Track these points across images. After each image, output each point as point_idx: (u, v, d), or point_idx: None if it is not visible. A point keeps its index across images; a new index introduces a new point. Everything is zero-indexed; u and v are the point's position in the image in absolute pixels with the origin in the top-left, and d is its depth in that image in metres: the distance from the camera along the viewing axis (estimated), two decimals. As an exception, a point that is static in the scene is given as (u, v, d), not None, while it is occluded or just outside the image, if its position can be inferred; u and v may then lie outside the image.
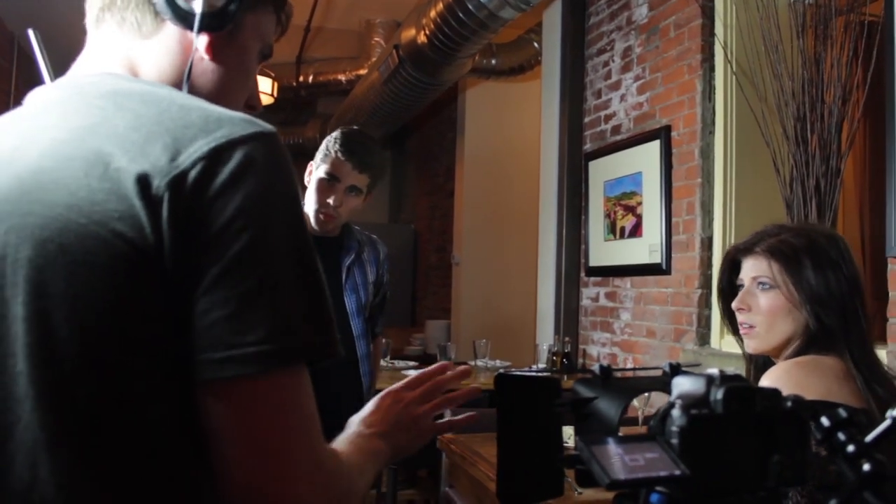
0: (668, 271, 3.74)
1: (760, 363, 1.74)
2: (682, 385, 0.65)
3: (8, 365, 0.75)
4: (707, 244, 3.51)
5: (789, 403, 0.65)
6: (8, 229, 0.76)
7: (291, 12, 1.05)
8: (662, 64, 3.85)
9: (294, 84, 6.90)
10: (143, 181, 0.74)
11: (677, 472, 0.58)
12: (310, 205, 2.40)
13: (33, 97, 0.92)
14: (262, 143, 0.79)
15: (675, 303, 3.69)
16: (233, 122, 0.79)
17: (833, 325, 1.56)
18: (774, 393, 0.65)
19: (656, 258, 3.81)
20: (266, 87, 5.56)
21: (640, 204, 3.97)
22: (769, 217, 2.02)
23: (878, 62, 2.63)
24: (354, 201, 2.47)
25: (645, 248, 3.91)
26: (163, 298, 0.75)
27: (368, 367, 2.64)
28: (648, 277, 3.91)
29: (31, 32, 1.10)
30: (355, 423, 1.05)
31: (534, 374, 0.73)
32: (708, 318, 3.49)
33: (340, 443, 0.99)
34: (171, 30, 0.92)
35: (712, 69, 3.55)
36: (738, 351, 1.78)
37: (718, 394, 0.62)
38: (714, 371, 0.64)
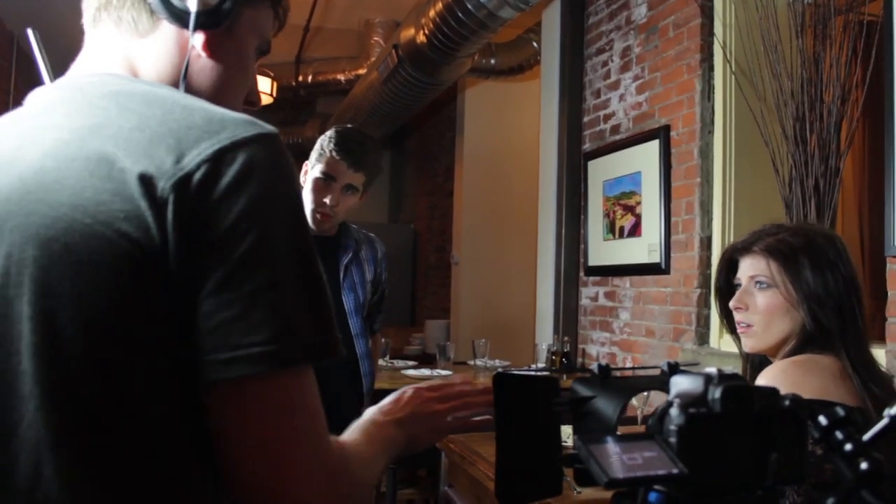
0: (667, 271, 3.74)
1: (757, 362, 1.74)
2: (681, 384, 0.66)
3: (11, 363, 0.75)
4: (706, 244, 3.52)
5: (787, 402, 0.65)
6: (12, 229, 0.77)
7: (288, 7, 1.05)
8: (661, 63, 3.85)
9: (293, 84, 6.90)
10: (148, 182, 0.74)
11: (675, 471, 0.58)
12: (306, 205, 2.40)
13: (34, 97, 0.92)
14: (265, 144, 0.79)
15: (674, 302, 3.69)
16: (236, 123, 0.80)
17: (830, 324, 1.57)
18: (772, 392, 0.65)
19: (655, 258, 3.81)
20: (265, 86, 5.56)
21: (639, 203, 3.97)
22: (768, 217, 2.02)
23: (877, 62, 2.63)
24: (351, 200, 2.47)
25: (644, 248, 3.91)
26: (167, 299, 0.75)
27: (368, 367, 2.64)
28: (647, 277, 3.92)
29: (30, 32, 1.10)
30: (371, 411, 1.07)
31: (532, 373, 0.72)
32: (707, 318, 3.49)
33: (352, 432, 1.00)
34: (168, 28, 0.92)
35: (711, 69, 3.55)
36: (737, 350, 1.78)
37: (716, 393, 0.63)
38: (712, 370, 0.65)
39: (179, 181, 0.75)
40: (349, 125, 2.67)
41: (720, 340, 3.39)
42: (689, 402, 0.62)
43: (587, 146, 4.56)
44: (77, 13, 0.97)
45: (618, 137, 4.21)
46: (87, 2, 0.95)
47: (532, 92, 5.69)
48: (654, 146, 3.83)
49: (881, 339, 2.59)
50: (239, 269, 0.75)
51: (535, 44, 5.79)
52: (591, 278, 4.48)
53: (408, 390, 1.13)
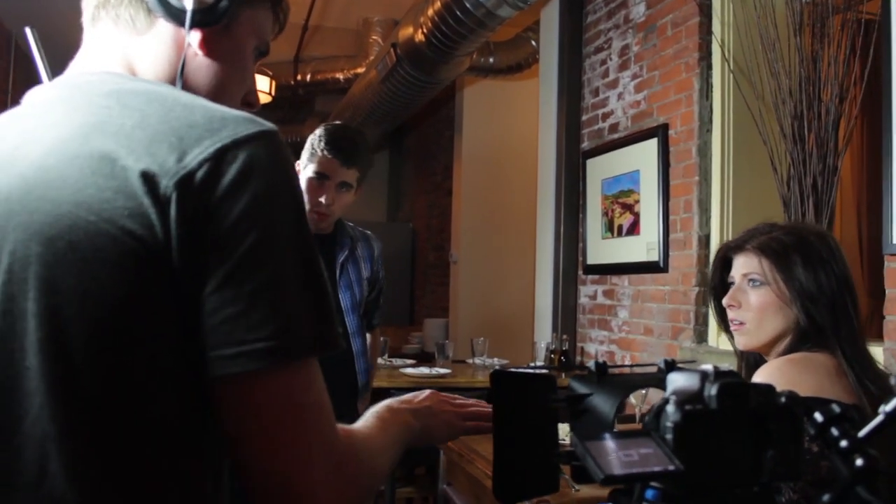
0: (665, 269, 3.74)
1: (752, 361, 1.75)
2: (677, 381, 0.66)
3: (15, 359, 0.76)
4: (704, 242, 3.52)
5: (783, 399, 0.65)
6: (15, 227, 0.77)
7: (288, 9, 1.05)
8: (660, 62, 3.85)
9: (292, 82, 6.90)
10: (150, 180, 0.75)
11: (671, 468, 0.58)
12: None
13: (32, 96, 0.92)
14: (265, 142, 0.80)
15: (672, 300, 3.69)
16: (237, 121, 0.80)
17: (823, 321, 1.58)
18: (768, 389, 0.65)
19: (654, 256, 3.81)
20: (264, 85, 5.55)
21: (637, 202, 3.97)
22: (766, 215, 2.03)
23: (875, 60, 2.63)
24: (346, 197, 2.47)
25: (642, 246, 3.91)
26: (170, 296, 0.76)
27: (364, 365, 2.65)
28: (646, 275, 3.92)
29: (28, 31, 1.10)
30: (388, 400, 1.09)
31: (529, 370, 0.73)
32: (705, 316, 3.50)
33: (367, 418, 1.01)
34: (165, 26, 0.93)
35: (710, 67, 3.55)
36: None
37: (712, 389, 0.63)
38: (708, 367, 0.65)
39: (182, 179, 0.75)
40: (337, 122, 2.66)
41: (718, 339, 3.40)
42: (686, 398, 0.62)
43: (586, 145, 4.56)
44: (75, 12, 0.98)
45: (616, 136, 4.22)
46: (86, 1, 0.96)
47: (531, 91, 5.69)
48: (652, 145, 3.83)
49: (880, 336, 2.60)
50: (242, 266, 0.76)
51: (533, 42, 5.79)
52: (590, 277, 4.48)
53: (425, 391, 1.16)
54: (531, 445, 0.72)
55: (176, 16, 0.91)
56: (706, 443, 0.62)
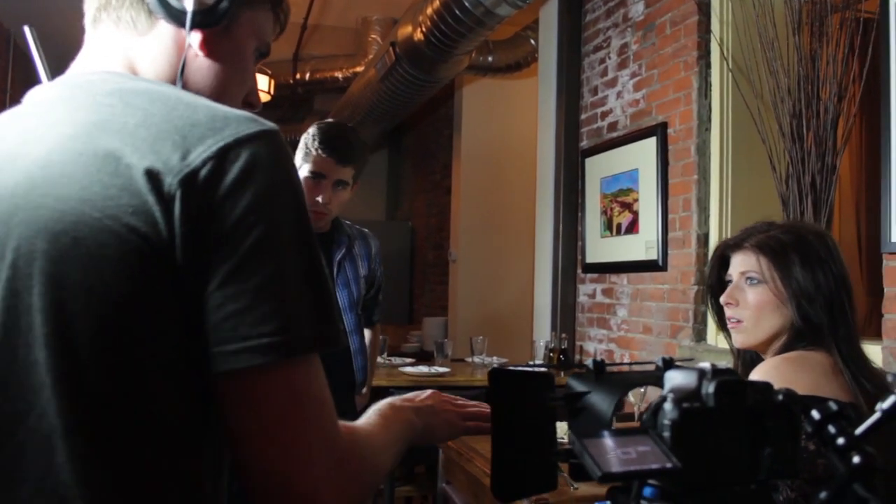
0: (664, 268, 3.74)
1: (748, 360, 1.75)
2: (674, 379, 0.66)
3: (19, 355, 0.77)
4: (703, 241, 3.52)
5: (780, 397, 0.65)
6: (19, 223, 0.78)
7: (289, 11, 1.06)
8: (659, 61, 3.85)
9: (291, 81, 6.90)
10: (155, 178, 0.76)
11: (668, 465, 0.58)
12: None
13: (33, 95, 0.93)
14: (267, 141, 0.81)
15: (671, 299, 3.69)
16: (239, 120, 0.81)
17: (820, 320, 1.58)
18: (766, 387, 0.66)
19: (653, 255, 3.81)
20: (263, 84, 5.55)
21: (636, 201, 3.97)
22: (765, 214, 2.03)
23: (873, 59, 2.63)
24: (343, 195, 2.47)
25: (641, 245, 3.91)
26: (174, 292, 0.77)
27: (361, 362, 2.65)
28: (645, 274, 3.92)
29: (27, 29, 1.10)
30: (391, 398, 1.10)
31: (528, 368, 0.73)
32: (704, 315, 3.50)
33: (369, 415, 1.02)
34: (166, 27, 0.94)
35: (708, 66, 3.55)
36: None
37: (710, 387, 0.63)
38: (706, 365, 0.65)
39: (186, 177, 0.76)
40: (330, 120, 2.67)
41: (717, 337, 3.40)
42: (683, 396, 0.63)
43: (584, 143, 4.56)
44: (74, 11, 0.98)
45: (615, 134, 4.22)
46: (87, 3, 0.96)
47: (529, 89, 5.69)
48: (651, 143, 3.83)
49: (878, 335, 2.60)
50: (246, 263, 0.77)
51: (532, 41, 5.79)
52: (589, 275, 4.48)
53: (427, 391, 1.17)
54: (529, 444, 0.72)
55: (176, 17, 0.92)
56: (703, 440, 0.62)
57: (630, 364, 0.98)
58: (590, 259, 4.44)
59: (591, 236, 4.42)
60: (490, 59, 5.98)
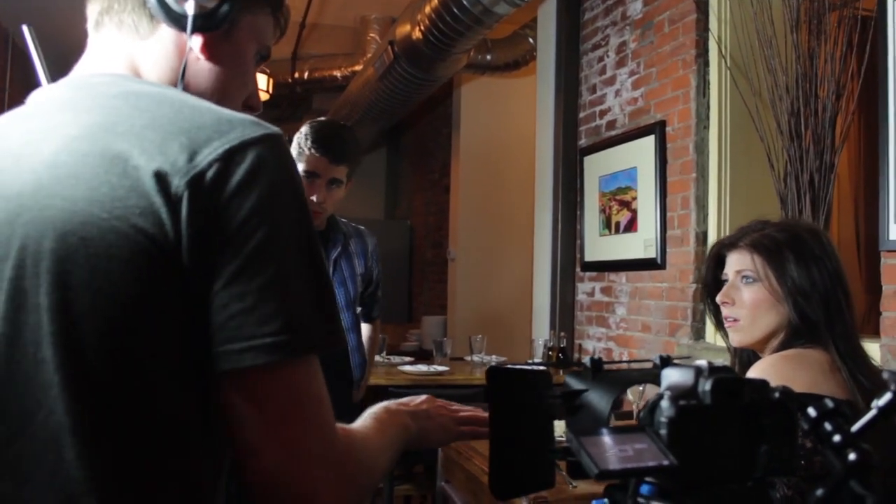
0: (662, 266, 3.75)
1: (745, 358, 1.76)
2: (671, 376, 0.66)
3: (28, 353, 0.78)
4: (702, 239, 3.52)
5: (777, 394, 0.65)
6: (26, 222, 0.79)
7: (289, 15, 1.08)
8: (657, 59, 3.85)
9: (289, 80, 6.89)
10: (162, 179, 0.77)
11: (665, 463, 0.58)
12: None
13: (38, 96, 0.94)
14: (271, 144, 0.82)
15: (669, 297, 3.70)
16: (244, 124, 0.83)
17: (817, 317, 1.59)
18: (762, 384, 0.66)
19: (651, 253, 3.81)
20: (261, 83, 5.56)
21: (634, 199, 3.97)
22: (763, 212, 2.03)
23: (871, 56, 2.64)
24: (337, 193, 2.47)
25: (640, 243, 3.92)
26: (179, 293, 0.78)
27: (359, 359, 2.66)
28: (643, 272, 3.92)
29: (25, 29, 1.10)
30: (386, 402, 1.11)
31: (525, 367, 0.73)
32: (703, 313, 3.50)
33: (365, 418, 1.03)
34: (167, 31, 0.95)
35: (707, 64, 3.55)
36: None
37: (707, 385, 0.63)
38: (702, 362, 0.65)
39: (193, 179, 0.77)
40: (322, 118, 2.67)
41: (716, 335, 3.40)
42: (680, 394, 0.63)
43: (583, 142, 4.56)
44: (73, 10, 0.98)
45: (613, 133, 4.22)
46: (90, 8, 0.97)
47: (528, 88, 5.69)
48: (649, 142, 3.83)
49: (876, 332, 2.60)
50: (250, 264, 0.78)
51: (530, 39, 5.79)
52: (588, 274, 4.48)
53: (422, 395, 1.19)
54: (527, 442, 0.72)
55: (178, 21, 0.93)
56: (700, 438, 0.62)
57: (628, 362, 0.98)
58: (588, 257, 4.45)
59: (589, 235, 4.42)
60: (488, 57, 5.98)
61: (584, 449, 0.58)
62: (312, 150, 2.38)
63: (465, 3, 4.25)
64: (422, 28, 4.76)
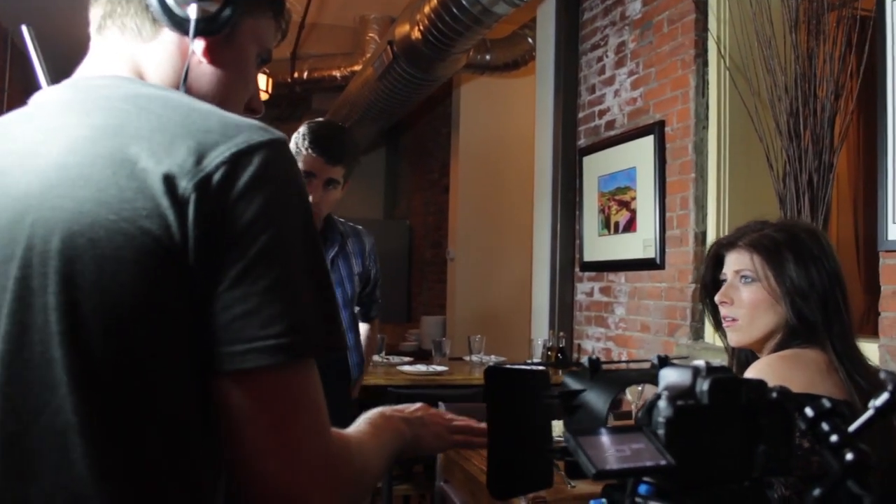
0: (662, 266, 3.75)
1: (743, 359, 1.76)
2: (669, 376, 0.66)
3: (35, 352, 0.78)
4: (701, 239, 3.52)
5: (774, 394, 0.65)
6: (34, 221, 0.79)
7: (290, 18, 1.08)
8: (656, 59, 3.85)
9: (289, 80, 6.89)
10: (170, 182, 0.78)
11: (663, 463, 0.58)
12: None
13: (40, 97, 0.94)
14: (276, 149, 0.84)
15: (668, 297, 3.70)
16: (250, 128, 0.84)
17: (815, 318, 1.59)
18: (760, 384, 0.66)
19: (650, 253, 3.82)
20: (261, 83, 5.55)
21: (634, 199, 3.97)
22: (762, 212, 2.03)
23: (870, 56, 2.64)
24: (334, 194, 2.47)
25: (639, 243, 3.92)
26: (184, 294, 0.79)
27: (356, 358, 2.66)
28: (643, 272, 3.92)
29: (24, 29, 1.11)
30: (382, 407, 1.13)
31: (523, 366, 0.73)
32: (702, 313, 3.49)
33: (359, 423, 1.04)
34: (170, 35, 0.95)
35: (706, 64, 3.55)
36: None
37: (704, 385, 0.63)
38: (700, 363, 0.65)
39: (201, 181, 0.78)
40: (320, 119, 2.67)
41: (714, 335, 3.40)
42: (677, 394, 0.63)
43: (582, 142, 4.57)
44: (72, 10, 0.99)
45: (612, 133, 4.22)
46: (92, 12, 0.98)
47: (527, 87, 5.69)
48: (648, 142, 3.83)
49: (875, 333, 2.60)
50: (255, 266, 0.79)
51: (529, 39, 5.79)
52: (587, 273, 4.49)
53: (417, 403, 1.20)
54: (526, 441, 0.72)
55: (180, 25, 0.94)
56: (698, 438, 0.62)
57: (626, 362, 0.99)
58: (587, 257, 4.45)
59: (588, 235, 4.42)
60: (488, 57, 5.98)
61: (581, 449, 0.58)
62: (310, 151, 2.38)
63: (464, 3, 4.25)
64: (421, 28, 4.76)
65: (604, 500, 0.68)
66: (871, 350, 2.45)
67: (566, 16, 4.69)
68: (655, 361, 0.71)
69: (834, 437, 0.63)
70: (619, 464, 0.58)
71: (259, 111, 1.07)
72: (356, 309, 2.76)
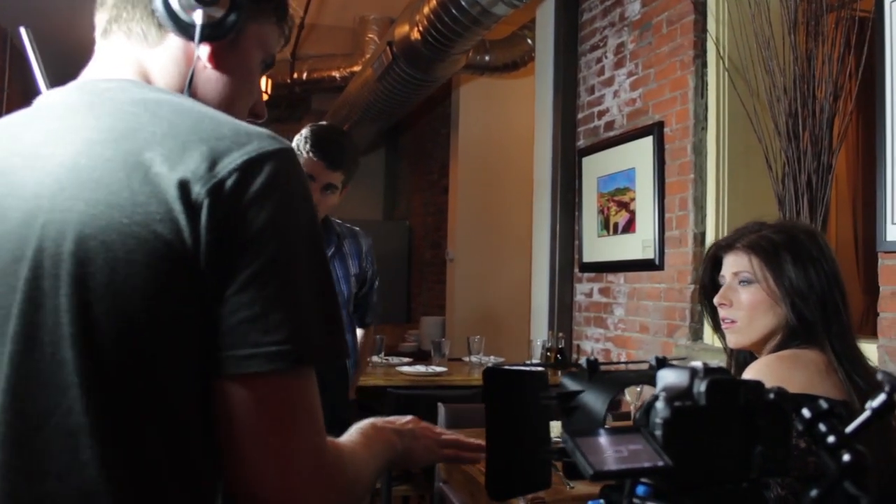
0: (661, 267, 3.75)
1: (742, 360, 1.76)
2: (667, 378, 0.66)
3: (45, 353, 0.79)
4: (700, 240, 3.52)
5: (772, 395, 0.65)
6: (45, 223, 0.80)
7: (294, 23, 1.09)
8: (655, 60, 3.86)
9: (288, 81, 6.89)
10: (183, 187, 0.78)
11: (660, 464, 0.59)
12: None
13: (46, 99, 0.95)
14: (285, 158, 0.85)
15: (668, 298, 3.70)
16: (260, 137, 0.85)
17: (813, 318, 1.59)
18: (757, 385, 0.66)
19: (649, 254, 3.82)
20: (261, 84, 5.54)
21: (633, 200, 3.97)
22: (761, 213, 2.03)
23: (869, 57, 2.64)
24: (331, 199, 2.47)
25: (638, 244, 3.92)
26: (195, 298, 0.80)
27: (354, 358, 2.66)
28: (642, 273, 3.92)
29: (23, 30, 1.11)
30: (373, 418, 1.14)
31: (521, 367, 0.73)
32: (701, 314, 3.50)
33: (351, 433, 1.05)
34: (175, 40, 0.96)
35: (705, 65, 3.55)
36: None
37: (702, 386, 0.63)
38: (697, 364, 0.65)
39: (214, 187, 0.79)
40: (323, 122, 2.68)
41: (713, 336, 3.40)
42: (675, 395, 0.63)
43: (581, 142, 4.57)
44: (72, 11, 0.99)
45: (612, 134, 4.22)
46: (98, 16, 0.99)
47: (526, 88, 5.69)
48: (647, 142, 3.83)
49: (874, 333, 2.61)
50: (262, 272, 0.80)
51: (529, 40, 5.79)
52: (586, 274, 4.49)
53: (407, 416, 1.22)
54: (524, 442, 0.72)
55: (186, 30, 0.94)
56: (695, 439, 0.62)
57: (625, 363, 0.99)
58: (587, 258, 4.45)
59: (588, 235, 4.42)
60: (487, 58, 5.98)
61: (579, 450, 0.59)
62: (311, 154, 2.39)
63: (463, 3, 4.25)
64: (420, 29, 4.76)
65: (602, 500, 0.69)
66: (870, 351, 2.45)
67: (565, 17, 4.69)
68: (653, 363, 0.71)
69: (831, 438, 0.63)
70: (617, 465, 0.58)
71: (262, 116, 1.08)
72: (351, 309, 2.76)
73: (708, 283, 1.79)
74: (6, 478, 0.79)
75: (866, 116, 3.59)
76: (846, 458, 0.62)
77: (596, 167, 4.34)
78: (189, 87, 0.96)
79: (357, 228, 2.78)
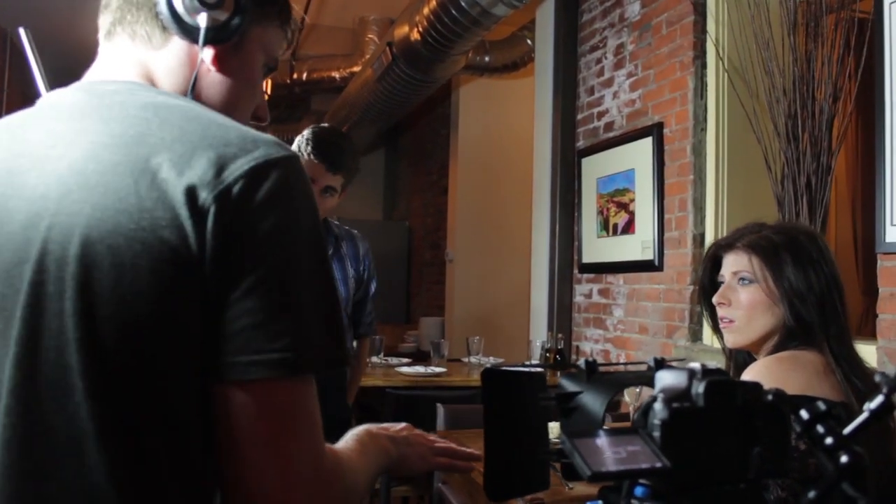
0: (660, 268, 3.75)
1: (741, 360, 1.76)
2: (665, 379, 0.66)
3: (49, 357, 0.79)
4: (699, 241, 3.53)
5: (770, 397, 0.66)
6: (50, 225, 0.80)
7: (297, 27, 1.09)
8: (655, 61, 3.86)
9: (288, 81, 6.89)
10: (190, 192, 0.79)
11: (658, 465, 0.59)
12: None
13: (52, 100, 0.95)
14: (291, 165, 0.85)
15: (667, 299, 3.70)
16: (267, 144, 0.85)
17: (812, 320, 1.59)
18: (755, 386, 0.66)
19: (649, 255, 3.82)
20: (260, 84, 5.54)
21: (632, 201, 3.97)
22: (760, 214, 2.04)
23: (868, 59, 2.64)
24: (330, 201, 2.47)
25: (637, 245, 3.92)
26: (199, 304, 0.80)
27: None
28: (641, 274, 3.93)
29: (22, 31, 1.11)
30: (368, 424, 1.14)
31: (520, 368, 0.73)
32: (700, 315, 3.50)
33: (347, 440, 1.05)
34: (179, 43, 0.96)
35: (704, 66, 3.56)
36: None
37: (700, 387, 0.63)
38: (696, 365, 0.65)
39: (221, 193, 0.79)
40: (325, 124, 2.68)
41: (712, 337, 3.40)
42: (673, 396, 0.63)
43: (581, 143, 4.57)
44: (71, 11, 0.99)
45: (611, 134, 4.22)
46: (102, 18, 0.99)
47: (526, 89, 5.69)
48: (647, 143, 3.84)
49: (873, 335, 2.61)
50: (266, 280, 0.80)
51: (529, 41, 5.79)
52: (585, 275, 4.49)
53: (402, 423, 1.22)
54: (523, 443, 0.72)
55: (190, 33, 0.95)
56: (693, 440, 0.62)
57: (623, 364, 0.99)
58: (586, 259, 4.45)
59: (587, 236, 4.42)
60: (487, 58, 5.98)
61: (577, 451, 0.59)
62: (312, 157, 2.40)
63: (463, 4, 4.25)
64: (420, 29, 4.76)
65: (600, 501, 0.69)
66: (869, 352, 2.45)
67: (565, 17, 4.69)
68: (652, 364, 0.71)
69: (829, 440, 0.63)
70: (615, 466, 0.58)
71: (265, 120, 1.08)
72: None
73: (707, 282, 1.79)
74: (10, 480, 0.79)
75: (866, 118, 3.59)
76: (844, 459, 0.62)
77: (595, 168, 4.34)
78: (192, 90, 0.96)
79: (355, 231, 2.78)
